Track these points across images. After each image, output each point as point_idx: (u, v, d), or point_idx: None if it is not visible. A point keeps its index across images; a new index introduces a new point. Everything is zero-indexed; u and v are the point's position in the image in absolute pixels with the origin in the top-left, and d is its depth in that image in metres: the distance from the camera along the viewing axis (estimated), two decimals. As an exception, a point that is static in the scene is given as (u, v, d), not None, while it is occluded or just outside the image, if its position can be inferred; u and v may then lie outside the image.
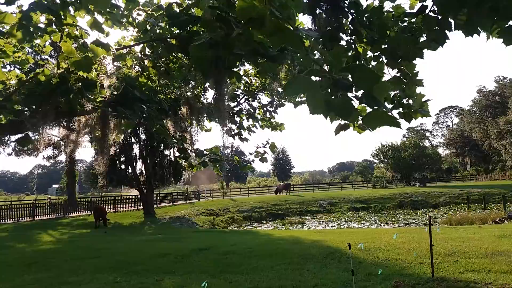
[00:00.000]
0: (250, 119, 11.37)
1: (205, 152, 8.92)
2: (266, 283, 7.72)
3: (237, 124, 11.05)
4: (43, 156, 39.42)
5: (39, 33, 4.88)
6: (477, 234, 12.67)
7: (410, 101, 4.05)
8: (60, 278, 9.13)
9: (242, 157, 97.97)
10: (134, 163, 29.69)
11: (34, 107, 5.96)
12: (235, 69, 3.29)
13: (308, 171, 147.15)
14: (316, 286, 7.38)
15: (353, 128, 3.98)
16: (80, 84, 5.91)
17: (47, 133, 6.76)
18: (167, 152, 29.51)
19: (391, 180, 62.86)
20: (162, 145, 28.20)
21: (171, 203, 38.37)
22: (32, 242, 17.11)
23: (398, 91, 3.92)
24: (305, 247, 11.64)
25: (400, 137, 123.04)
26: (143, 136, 28.58)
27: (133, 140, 29.26)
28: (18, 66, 7.41)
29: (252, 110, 11.31)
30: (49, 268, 10.57)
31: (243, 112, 11.16)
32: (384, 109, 2.51)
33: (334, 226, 28.11)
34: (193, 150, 9.05)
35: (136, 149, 29.79)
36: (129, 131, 25.90)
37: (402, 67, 3.71)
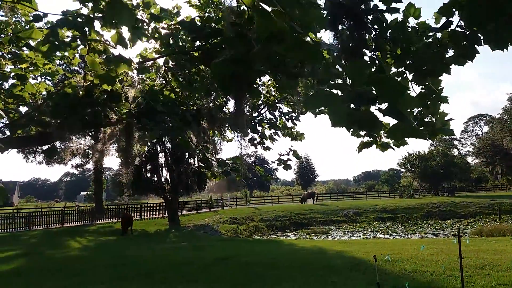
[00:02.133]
0: (272, 128, 11.42)
1: (227, 161, 8.96)
2: (289, 295, 7.64)
3: (259, 133, 11.10)
4: (72, 164, 40.56)
5: (65, 47, 5.06)
6: (509, 247, 12.20)
7: (433, 119, 3.95)
8: (85, 285, 9.31)
9: (266, 165, 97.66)
10: (160, 172, 30.06)
11: (61, 119, 6.13)
12: (255, 85, 3.29)
13: (332, 180, 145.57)
14: (340, 298, 7.26)
15: (375, 146, 3.90)
16: (105, 96, 6.07)
17: (75, 142, 6.94)
18: (191, 161, 29.75)
19: (418, 189, 61.35)
20: (187, 154, 28.46)
21: (195, 211, 38.63)
22: (60, 248, 17.52)
23: (421, 108, 3.82)
24: (329, 258, 11.48)
25: (428, 146, 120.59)
26: (168, 145, 28.91)
27: (159, 149, 29.64)
28: (48, 78, 7.64)
29: (273, 119, 11.36)
30: (75, 274, 10.80)
31: (265, 121, 11.22)
32: (410, 122, 2.46)
33: (360, 236, 27.62)
34: (215, 160, 9.11)
35: (161, 158, 30.17)
36: (155, 140, 26.33)
37: (427, 83, 3.61)
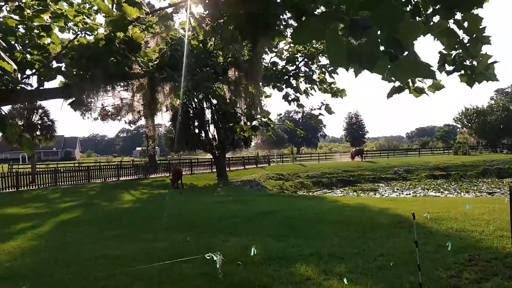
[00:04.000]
0: (308, 82, 10.84)
1: (257, 116, 8.72)
2: (328, 250, 7.62)
3: (293, 87, 10.59)
4: (125, 121, 42.07)
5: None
6: None
7: (474, 63, 3.47)
8: (136, 235, 9.83)
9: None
10: (207, 128, 30.56)
11: (85, 70, 6.12)
12: (277, 28, 3.03)
13: (383, 137, 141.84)
14: (381, 255, 7.11)
15: (409, 91, 3.55)
16: (123, 46, 5.96)
17: (104, 96, 6.96)
18: (238, 117, 29.84)
19: (475, 146, 58.38)
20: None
21: (243, 167, 39.43)
22: (115, 200, 18.61)
23: (460, 50, 3.35)
24: (373, 215, 11.30)
25: (487, 100, 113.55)
26: (214, 101, 29.12)
27: (205, 105, 29.99)
28: (88, 33, 7.65)
29: (309, 72, 10.75)
30: (127, 225, 11.45)
31: (300, 74, 10.65)
32: (412, 56, 2.11)
33: (409, 194, 26.93)
34: (243, 114, 8.89)
35: (208, 114, 30.57)
36: (201, 96, 26.50)
37: (458, 19, 3.13)
